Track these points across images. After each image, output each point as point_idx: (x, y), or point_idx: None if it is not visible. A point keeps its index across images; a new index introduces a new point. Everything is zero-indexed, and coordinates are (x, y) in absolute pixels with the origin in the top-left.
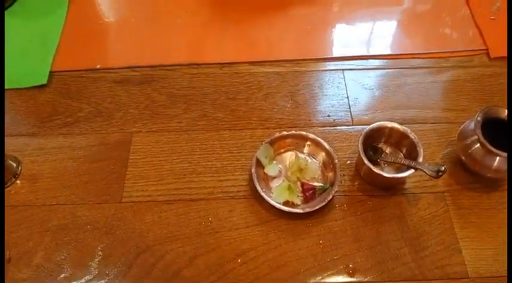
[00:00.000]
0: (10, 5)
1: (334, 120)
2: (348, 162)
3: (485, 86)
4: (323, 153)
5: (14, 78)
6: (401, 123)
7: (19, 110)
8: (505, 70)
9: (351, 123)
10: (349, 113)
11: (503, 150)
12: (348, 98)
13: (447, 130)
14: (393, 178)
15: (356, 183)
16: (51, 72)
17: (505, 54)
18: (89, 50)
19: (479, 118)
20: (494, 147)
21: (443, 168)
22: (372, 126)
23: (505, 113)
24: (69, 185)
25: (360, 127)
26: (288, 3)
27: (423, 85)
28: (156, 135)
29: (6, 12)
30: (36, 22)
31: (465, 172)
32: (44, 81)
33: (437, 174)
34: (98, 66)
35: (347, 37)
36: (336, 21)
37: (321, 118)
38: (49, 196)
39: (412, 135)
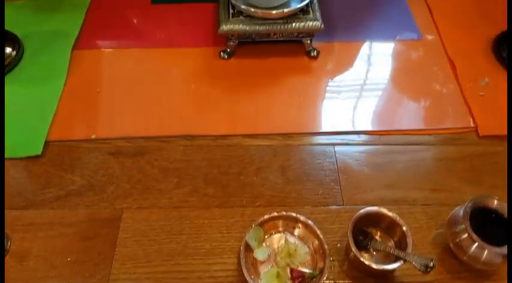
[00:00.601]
0: (10, 71)
1: (325, 198)
2: (338, 245)
3: (475, 165)
4: (313, 237)
5: (9, 147)
6: (392, 204)
7: (13, 182)
8: (495, 149)
9: (341, 203)
10: (340, 191)
11: (493, 242)
12: (338, 174)
13: (437, 212)
14: (382, 269)
15: (345, 269)
16: (46, 142)
17: (495, 132)
18: (84, 119)
19: (468, 208)
20: (484, 239)
21: (431, 263)
22: (360, 212)
23: (494, 202)
24: (57, 265)
25: (350, 206)
26: (279, 75)
27: (413, 163)
28: (146, 212)
29: (5, 78)
30: (35, 89)
31: (455, 260)
32: (39, 152)
33: (426, 269)
34: (93, 137)
35: (338, 111)
36: (327, 94)
37: (312, 196)
38: (36, 277)
39: (401, 223)
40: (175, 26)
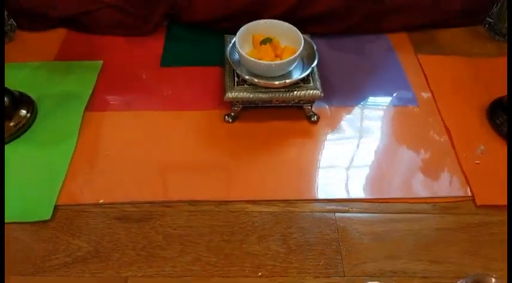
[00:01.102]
0: (22, 133)
1: (326, 269)
2: None
3: (473, 236)
4: None
5: (19, 211)
6: (391, 276)
7: (21, 246)
8: (493, 218)
9: (342, 274)
10: (341, 262)
11: None
12: (339, 243)
13: None
14: None
15: None
16: (55, 206)
17: (492, 202)
18: (93, 183)
19: None
20: None
21: None
22: None
23: (492, 281)
24: None
25: (351, 278)
26: (281, 140)
27: (412, 232)
28: (150, 281)
29: (17, 141)
30: (46, 153)
31: None
32: (48, 217)
33: None
34: (101, 201)
35: (338, 178)
36: (327, 160)
37: (314, 266)
38: None
39: None
40: (182, 89)
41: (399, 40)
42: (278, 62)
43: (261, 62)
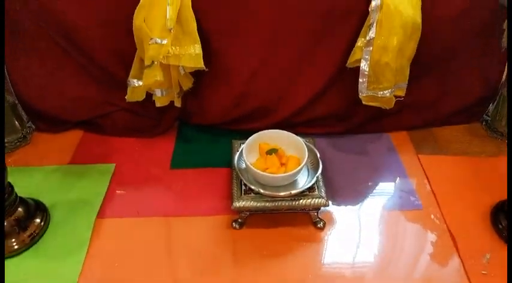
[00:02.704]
0: (34, 243)
1: None
2: None
3: None
4: None
5: None
6: None
7: None
8: None
9: None
10: None
11: None
12: None
13: None
14: None
15: None
16: None
17: None
18: None
19: None
20: None
21: None
22: None
23: None
24: None
25: None
26: (288, 246)
27: None
28: None
29: (28, 252)
30: (55, 265)
31: None
32: None
33: None
34: None
35: None
36: (333, 268)
37: None
38: None
39: None
40: (191, 193)
41: (400, 139)
42: (283, 174)
43: (267, 174)
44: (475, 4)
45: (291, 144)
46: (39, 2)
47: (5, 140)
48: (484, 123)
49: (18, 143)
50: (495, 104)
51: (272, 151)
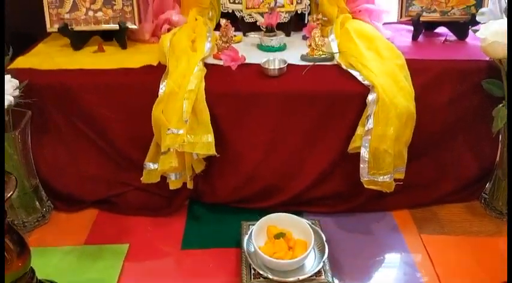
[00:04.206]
0: None
1: None
2: None
3: None
4: None
5: None
6: None
7: None
8: None
9: None
10: None
11: None
12: None
13: None
14: None
15: None
16: None
17: None
18: None
19: None
20: None
21: None
22: None
23: None
24: None
25: None
26: None
27: None
28: None
29: None
30: None
31: None
32: None
33: None
34: None
35: None
36: None
37: None
38: None
39: None
40: (201, 273)
41: (402, 218)
42: (291, 261)
43: (275, 260)
44: (463, 93)
45: (298, 227)
46: (67, 95)
47: (26, 220)
48: (482, 201)
49: (37, 223)
50: (492, 182)
51: (280, 235)
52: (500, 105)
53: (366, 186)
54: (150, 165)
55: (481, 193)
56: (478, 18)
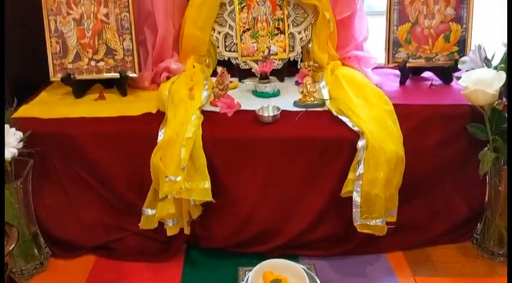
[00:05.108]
0: None
1: None
2: None
3: None
4: None
5: None
6: None
7: None
8: None
9: None
10: None
11: None
12: None
13: None
14: None
15: None
16: None
17: None
18: None
19: None
20: None
21: None
22: None
23: None
24: None
25: None
26: None
27: None
28: None
29: None
30: None
31: None
32: None
33: None
34: None
35: None
36: None
37: None
38: None
39: None
40: None
41: (397, 261)
42: None
43: None
44: (450, 136)
45: (293, 273)
46: (69, 143)
47: (24, 268)
48: (474, 241)
49: (35, 271)
50: (482, 223)
51: (276, 282)
52: (486, 148)
53: (359, 230)
54: (148, 211)
55: (472, 234)
56: (459, 66)
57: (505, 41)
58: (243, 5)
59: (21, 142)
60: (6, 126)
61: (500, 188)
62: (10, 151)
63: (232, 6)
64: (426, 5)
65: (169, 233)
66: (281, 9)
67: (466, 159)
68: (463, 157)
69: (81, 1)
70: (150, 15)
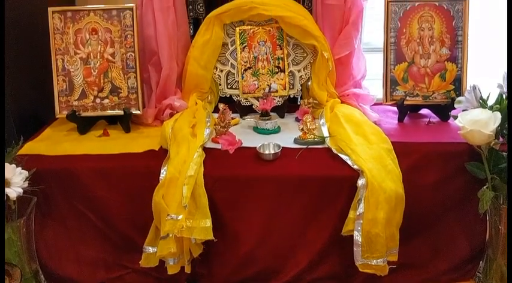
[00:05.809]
0: None
1: None
2: None
3: None
4: None
5: None
6: None
7: None
8: None
9: None
10: None
11: None
12: None
13: None
14: None
15: None
16: None
17: None
18: None
19: None
20: None
21: None
22: None
23: None
24: None
25: None
26: None
27: None
28: None
29: None
30: None
31: None
32: None
33: None
34: None
35: None
36: None
37: None
38: None
39: None
40: None
41: None
42: None
43: None
44: (448, 174)
45: None
46: (72, 180)
47: None
48: (477, 280)
49: None
50: (484, 261)
51: None
52: (485, 186)
53: (360, 269)
54: (149, 249)
55: (475, 273)
56: (456, 105)
57: (501, 82)
58: (244, 45)
59: (27, 181)
60: (13, 165)
61: (500, 227)
62: (16, 191)
63: (234, 46)
64: (422, 46)
65: (170, 272)
66: (281, 49)
67: (466, 197)
68: (463, 195)
69: (89, 41)
70: (155, 54)
